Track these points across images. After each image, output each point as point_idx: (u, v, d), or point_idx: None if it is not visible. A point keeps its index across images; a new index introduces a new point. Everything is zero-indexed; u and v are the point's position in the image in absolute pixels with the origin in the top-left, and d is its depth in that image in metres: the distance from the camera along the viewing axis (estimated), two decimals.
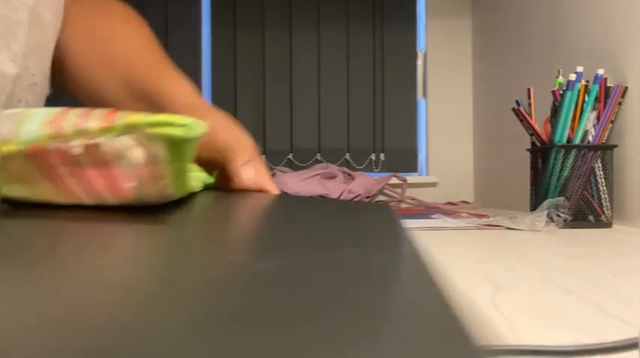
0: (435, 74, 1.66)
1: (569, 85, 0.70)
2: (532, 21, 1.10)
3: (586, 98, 0.70)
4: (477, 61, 1.59)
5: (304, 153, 1.68)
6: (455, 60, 1.64)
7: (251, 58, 1.68)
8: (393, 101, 1.68)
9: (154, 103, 0.52)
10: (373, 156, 1.67)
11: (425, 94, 1.68)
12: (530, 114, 0.75)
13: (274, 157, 1.68)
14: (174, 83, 0.53)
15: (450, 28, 1.64)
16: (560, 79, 0.74)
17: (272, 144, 1.67)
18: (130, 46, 0.58)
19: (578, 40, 0.88)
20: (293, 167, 1.66)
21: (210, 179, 0.43)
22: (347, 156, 1.68)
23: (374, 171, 1.67)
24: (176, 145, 0.24)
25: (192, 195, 0.36)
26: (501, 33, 1.33)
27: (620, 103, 0.70)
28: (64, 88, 0.61)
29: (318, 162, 1.67)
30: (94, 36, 0.59)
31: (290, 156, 1.68)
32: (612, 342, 0.15)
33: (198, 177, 0.39)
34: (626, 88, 0.70)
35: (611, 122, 0.70)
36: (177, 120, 0.22)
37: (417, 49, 1.70)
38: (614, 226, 0.69)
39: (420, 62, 1.69)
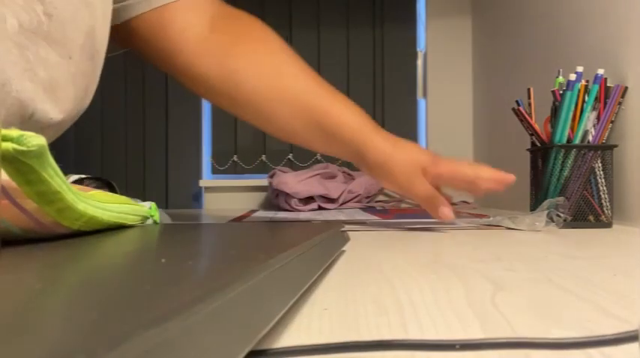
0: (435, 74, 1.66)
1: (569, 84, 0.69)
2: (532, 21, 1.09)
3: (586, 98, 0.69)
4: (477, 61, 1.59)
5: (304, 153, 1.68)
6: (455, 60, 1.64)
7: None
8: (393, 101, 1.68)
9: (341, 142, 0.63)
10: None
11: (425, 94, 1.68)
12: (530, 115, 0.75)
13: (274, 157, 1.67)
14: (356, 121, 0.65)
15: (450, 28, 1.64)
16: (560, 79, 0.74)
17: (272, 144, 1.67)
18: (300, 81, 0.65)
19: (578, 39, 0.88)
20: (293, 167, 1.66)
21: (152, 212, 0.43)
22: None
23: None
24: (17, 163, 0.21)
25: (123, 228, 0.36)
26: (501, 33, 1.33)
27: (620, 103, 0.69)
28: (233, 113, 0.67)
29: (318, 162, 1.67)
30: (262, 71, 0.64)
31: (290, 156, 1.68)
32: (611, 335, 0.15)
33: (134, 211, 0.39)
34: (626, 87, 0.70)
35: (611, 122, 0.69)
36: (10, 134, 0.20)
37: (417, 49, 1.70)
38: (614, 226, 0.69)
39: (420, 62, 1.69)
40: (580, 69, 0.70)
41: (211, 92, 0.65)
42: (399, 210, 1.17)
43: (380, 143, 0.64)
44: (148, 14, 0.60)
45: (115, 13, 0.58)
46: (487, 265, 0.36)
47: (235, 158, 1.67)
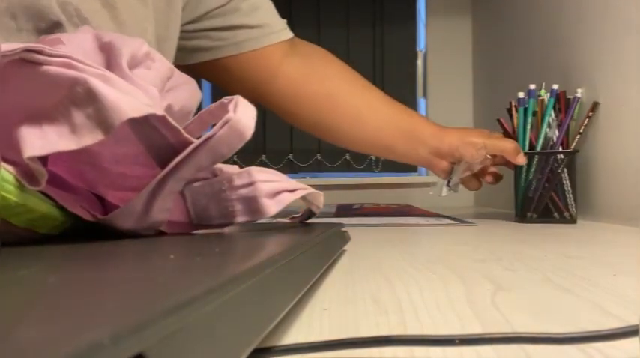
0: (435, 74, 1.66)
1: (520, 101, 0.79)
2: (532, 21, 1.10)
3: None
4: (477, 61, 1.59)
5: (304, 153, 1.68)
6: (455, 60, 1.64)
7: None
8: None
9: (421, 139, 0.76)
10: (373, 156, 1.67)
11: (425, 94, 1.69)
12: (512, 124, 0.82)
13: (274, 157, 1.68)
14: (420, 120, 0.78)
15: (450, 27, 1.65)
16: (542, 91, 0.80)
17: (272, 144, 1.67)
18: (379, 93, 0.81)
19: (577, 39, 0.88)
20: (293, 167, 1.67)
21: None
22: (347, 156, 1.68)
23: (374, 171, 1.67)
24: None
25: None
26: (501, 33, 1.33)
27: (589, 117, 0.77)
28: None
29: (318, 162, 1.67)
30: (351, 86, 0.79)
31: (290, 156, 1.68)
32: (609, 330, 0.15)
33: None
34: (597, 103, 0.77)
35: (580, 133, 0.77)
36: None
37: (417, 49, 1.70)
38: (579, 222, 0.74)
39: (420, 62, 1.70)
40: (532, 86, 0.80)
41: (305, 110, 0.77)
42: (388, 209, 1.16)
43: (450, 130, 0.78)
44: (247, 53, 0.70)
45: (205, 52, 0.68)
46: (487, 265, 0.36)
47: (235, 158, 1.67)
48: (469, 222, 0.76)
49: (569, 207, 0.74)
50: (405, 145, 0.77)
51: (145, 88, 0.29)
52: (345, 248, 0.45)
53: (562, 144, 0.76)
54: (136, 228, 0.29)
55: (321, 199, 0.40)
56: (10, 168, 0.23)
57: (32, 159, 0.23)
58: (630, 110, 0.71)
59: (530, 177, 0.77)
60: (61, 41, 0.30)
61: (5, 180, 0.23)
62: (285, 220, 0.45)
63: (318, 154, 1.67)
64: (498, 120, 0.86)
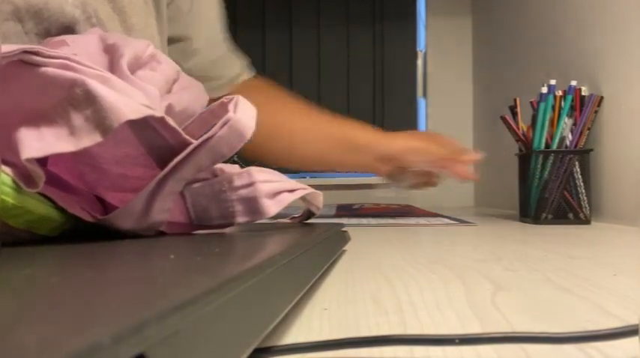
0: (435, 74, 1.66)
1: (542, 97, 0.76)
2: (532, 20, 1.10)
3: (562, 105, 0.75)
4: (477, 61, 1.59)
5: None
6: (455, 60, 1.64)
7: (251, 58, 1.68)
8: (393, 101, 1.68)
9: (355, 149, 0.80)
10: None
11: (425, 94, 1.69)
12: (517, 122, 0.81)
13: None
14: (353, 128, 0.83)
15: (450, 27, 1.65)
16: (544, 89, 0.79)
17: None
18: (315, 116, 0.85)
19: (577, 38, 0.88)
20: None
21: None
22: None
23: None
24: None
25: None
26: (501, 33, 1.33)
27: (596, 111, 0.75)
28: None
29: None
30: (293, 118, 0.83)
31: None
32: (609, 329, 0.15)
33: None
34: (602, 97, 0.75)
35: (589, 129, 0.75)
36: None
37: (417, 49, 1.70)
38: (592, 223, 0.73)
39: (420, 62, 1.70)
40: (553, 82, 0.76)
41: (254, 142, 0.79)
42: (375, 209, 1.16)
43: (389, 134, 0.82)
44: None
45: None
46: (487, 265, 0.36)
47: (236, 158, 1.67)
48: (469, 222, 0.76)
49: (583, 207, 0.73)
50: (344, 155, 0.80)
51: (144, 87, 0.29)
52: (345, 248, 0.45)
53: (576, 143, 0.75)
54: (136, 229, 0.29)
55: (320, 199, 0.40)
56: (8, 170, 0.23)
57: (30, 161, 0.23)
58: (633, 108, 0.71)
59: (545, 176, 0.74)
60: (65, 43, 0.30)
61: (3, 183, 0.23)
62: (285, 220, 0.45)
63: None
64: (502, 118, 0.84)
